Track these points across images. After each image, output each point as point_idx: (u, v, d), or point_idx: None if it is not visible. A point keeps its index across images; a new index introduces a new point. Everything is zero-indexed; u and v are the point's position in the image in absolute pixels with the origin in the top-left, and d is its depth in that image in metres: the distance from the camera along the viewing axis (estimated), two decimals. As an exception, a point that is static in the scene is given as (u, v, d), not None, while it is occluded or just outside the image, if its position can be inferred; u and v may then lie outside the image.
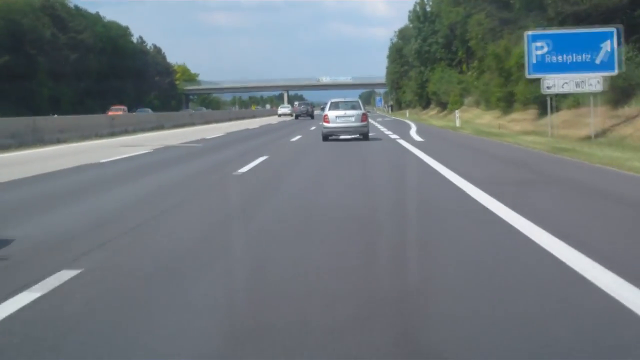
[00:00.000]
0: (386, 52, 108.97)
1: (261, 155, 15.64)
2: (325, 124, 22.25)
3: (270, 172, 12.50)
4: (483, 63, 47.80)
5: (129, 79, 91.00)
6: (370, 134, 23.25)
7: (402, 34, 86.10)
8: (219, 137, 27.44)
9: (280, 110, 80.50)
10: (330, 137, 22.14)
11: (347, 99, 24.22)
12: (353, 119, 22.07)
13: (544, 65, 19.52)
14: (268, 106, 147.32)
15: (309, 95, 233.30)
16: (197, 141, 23.86)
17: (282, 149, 19.47)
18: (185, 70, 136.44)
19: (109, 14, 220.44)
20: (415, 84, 73.82)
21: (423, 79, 69.36)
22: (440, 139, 23.52)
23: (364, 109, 23.87)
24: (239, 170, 12.31)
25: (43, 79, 68.21)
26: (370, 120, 39.30)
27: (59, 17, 74.57)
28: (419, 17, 69.92)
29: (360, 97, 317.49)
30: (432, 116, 59.59)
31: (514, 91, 33.13)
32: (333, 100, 23.26)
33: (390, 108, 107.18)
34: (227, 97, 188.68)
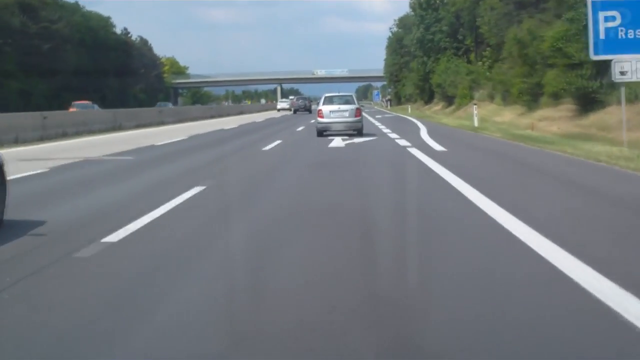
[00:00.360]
0: (384, 46, 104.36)
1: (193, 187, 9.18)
2: (320, 119, 21.73)
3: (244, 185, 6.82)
4: (495, 51, 42.26)
5: (111, 72, 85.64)
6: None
7: (403, 22, 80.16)
8: (169, 143, 20.86)
9: (280, 105, 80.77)
10: (325, 133, 21.33)
11: (340, 93, 23.86)
12: (347, 113, 21.56)
13: (616, 43, 13.81)
14: (263, 101, 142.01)
15: (304, 89, 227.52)
16: (130, 152, 17.20)
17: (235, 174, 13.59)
18: (174, 63, 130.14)
19: (93, 5, 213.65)
20: (416, 76, 67.95)
21: (426, 70, 63.59)
22: (467, 147, 17.49)
23: (359, 103, 23.47)
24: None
25: (12, 70, 62.52)
26: (369, 118, 35.19)
27: (29, 5, 68.64)
28: (422, 4, 63.94)
29: (357, 91, 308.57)
30: (437, 112, 53.82)
31: (542, 82, 27.49)
32: (327, 95, 23.08)
33: (388, 103, 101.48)
34: (220, 92, 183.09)
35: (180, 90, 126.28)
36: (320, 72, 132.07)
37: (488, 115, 33.84)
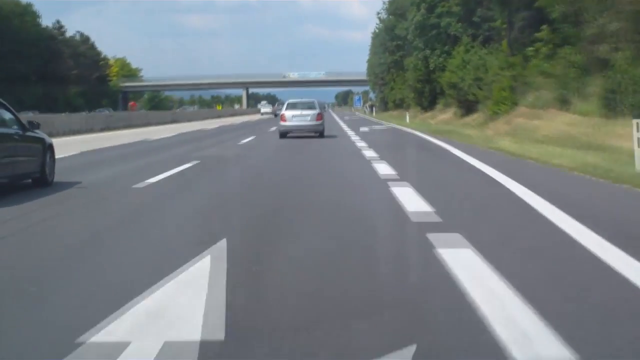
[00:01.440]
0: (365, 54, 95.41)
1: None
2: (282, 123, 24.03)
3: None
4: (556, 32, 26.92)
5: (32, 73, 69.03)
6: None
7: (395, 6, 63.47)
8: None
9: (263, 109, 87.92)
10: (288, 135, 23.77)
11: (303, 100, 25.92)
12: (309, 117, 23.75)
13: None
14: (237, 106, 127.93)
15: (279, 95, 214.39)
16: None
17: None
18: (124, 65, 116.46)
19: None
20: (414, 76, 52.10)
21: (428, 67, 47.92)
22: None
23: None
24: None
25: None
26: (353, 138, 24.04)
27: None
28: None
29: (337, 97, 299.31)
30: (451, 122, 37.88)
31: None
32: (290, 101, 25.54)
33: (372, 109, 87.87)
34: (185, 96, 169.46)
35: (132, 94, 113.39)
36: (293, 75, 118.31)
37: (588, 137, 17.96)
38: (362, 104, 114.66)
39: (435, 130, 29.02)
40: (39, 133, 10.83)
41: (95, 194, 9.63)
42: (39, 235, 6.43)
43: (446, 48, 44.85)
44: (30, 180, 10.34)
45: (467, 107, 38.15)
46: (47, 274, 4.89)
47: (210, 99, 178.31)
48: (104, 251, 5.70)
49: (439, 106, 49.26)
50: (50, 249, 5.78)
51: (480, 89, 34.21)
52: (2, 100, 10.26)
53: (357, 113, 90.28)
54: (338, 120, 54.95)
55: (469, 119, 36.18)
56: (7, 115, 10.08)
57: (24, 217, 7.47)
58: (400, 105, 66.79)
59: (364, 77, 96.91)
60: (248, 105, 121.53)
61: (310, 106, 24.13)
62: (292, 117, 23.60)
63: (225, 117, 72.51)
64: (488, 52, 36.32)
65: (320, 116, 23.90)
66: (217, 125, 44.55)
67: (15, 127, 10.09)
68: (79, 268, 5.05)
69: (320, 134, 23.88)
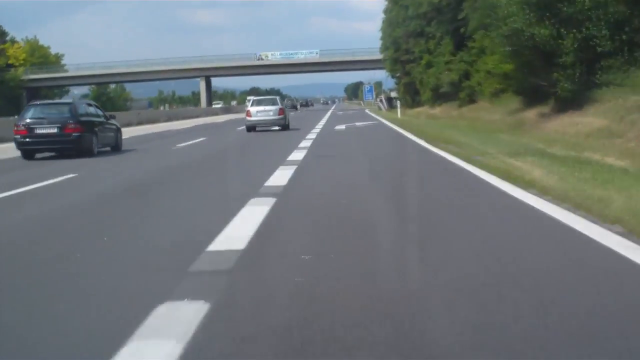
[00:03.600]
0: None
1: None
2: (248, 118, 27.21)
3: None
4: None
5: None
6: None
7: None
8: None
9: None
10: (256, 129, 26.92)
11: (267, 97, 29.66)
12: (272, 113, 26.80)
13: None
14: (220, 104, 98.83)
15: (258, 82, 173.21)
16: None
17: None
18: (35, 48, 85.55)
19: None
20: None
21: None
22: None
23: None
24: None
25: None
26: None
27: None
28: None
29: (347, 90, 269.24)
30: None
31: None
32: (255, 98, 30.09)
33: (388, 103, 61.74)
34: (140, 93, 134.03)
35: (45, 90, 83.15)
36: (273, 57, 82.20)
37: None
38: (373, 96, 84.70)
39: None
40: (113, 121, 19.49)
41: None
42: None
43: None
44: (109, 148, 18.86)
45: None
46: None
47: (191, 95, 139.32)
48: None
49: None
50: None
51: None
52: (94, 103, 19.12)
53: (366, 110, 62.13)
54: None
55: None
56: (99, 112, 18.76)
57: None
58: (437, 99, 41.41)
59: (375, 55, 65.53)
60: (211, 101, 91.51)
61: (273, 102, 27.36)
62: (257, 113, 26.72)
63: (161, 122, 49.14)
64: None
65: (282, 111, 26.91)
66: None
67: (104, 118, 18.75)
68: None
69: (284, 127, 26.87)
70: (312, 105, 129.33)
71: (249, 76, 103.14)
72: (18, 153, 16.85)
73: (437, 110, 39.78)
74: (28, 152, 16.66)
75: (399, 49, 47.73)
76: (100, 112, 18.76)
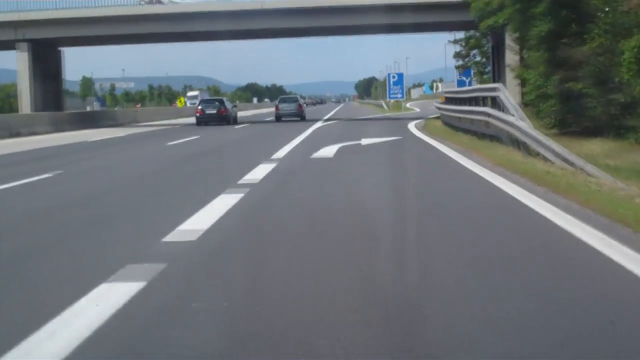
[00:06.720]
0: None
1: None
2: (277, 111, 37.88)
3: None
4: None
5: None
6: None
7: None
8: None
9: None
10: (282, 119, 36.80)
11: (290, 96, 44.89)
12: (292, 107, 37.92)
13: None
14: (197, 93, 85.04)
15: (255, 78, 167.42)
16: None
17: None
18: None
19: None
20: None
21: None
22: None
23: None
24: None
25: None
26: None
27: None
28: None
29: (357, 87, 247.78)
30: None
31: None
32: (281, 97, 41.96)
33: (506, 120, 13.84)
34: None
35: None
36: None
37: None
38: (470, 83, 36.92)
39: None
40: (235, 108, 37.29)
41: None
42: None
43: None
44: (225, 123, 34.34)
45: None
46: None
47: (183, 90, 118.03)
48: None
49: None
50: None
51: None
52: (222, 98, 37.88)
53: (413, 128, 24.07)
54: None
55: None
56: (227, 102, 36.50)
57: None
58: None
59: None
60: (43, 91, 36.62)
61: (294, 100, 39.96)
62: (283, 107, 37.82)
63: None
64: None
65: (300, 107, 37.86)
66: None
67: (231, 105, 36.31)
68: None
69: (302, 118, 36.90)
70: (325, 103, 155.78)
71: (141, 44, 61.75)
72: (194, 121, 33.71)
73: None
74: (200, 122, 33.31)
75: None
76: (227, 101, 36.97)
